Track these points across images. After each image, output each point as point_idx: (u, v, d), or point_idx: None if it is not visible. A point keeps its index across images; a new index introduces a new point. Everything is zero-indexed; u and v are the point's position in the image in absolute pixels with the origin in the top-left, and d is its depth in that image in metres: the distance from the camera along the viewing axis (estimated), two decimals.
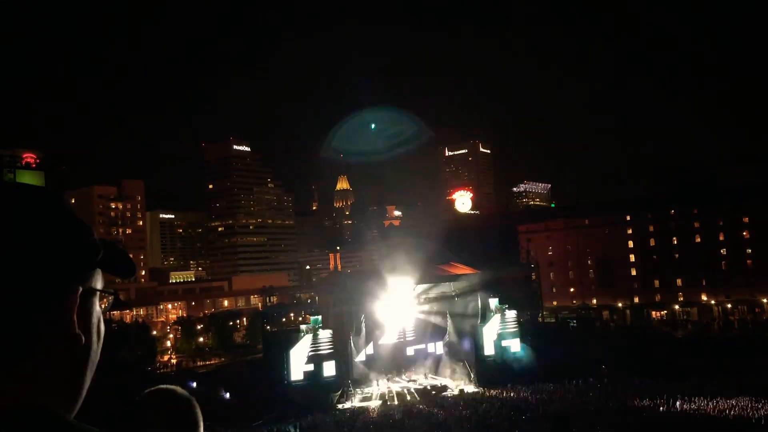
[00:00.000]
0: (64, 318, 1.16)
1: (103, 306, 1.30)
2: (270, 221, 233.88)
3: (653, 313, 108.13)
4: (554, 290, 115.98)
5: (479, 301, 71.84)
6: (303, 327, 68.15)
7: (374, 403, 60.02)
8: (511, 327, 76.18)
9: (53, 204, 1.20)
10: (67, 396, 1.19)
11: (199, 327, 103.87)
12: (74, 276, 1.19)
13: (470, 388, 64.00)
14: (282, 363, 63.61)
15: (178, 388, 1.97)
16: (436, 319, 70.50)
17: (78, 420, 1.15)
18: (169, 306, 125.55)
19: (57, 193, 1.23)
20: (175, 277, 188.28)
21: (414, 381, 65.98)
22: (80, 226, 1.22)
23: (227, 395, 61.11)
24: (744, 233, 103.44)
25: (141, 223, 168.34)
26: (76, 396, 1.21)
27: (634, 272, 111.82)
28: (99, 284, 1.28)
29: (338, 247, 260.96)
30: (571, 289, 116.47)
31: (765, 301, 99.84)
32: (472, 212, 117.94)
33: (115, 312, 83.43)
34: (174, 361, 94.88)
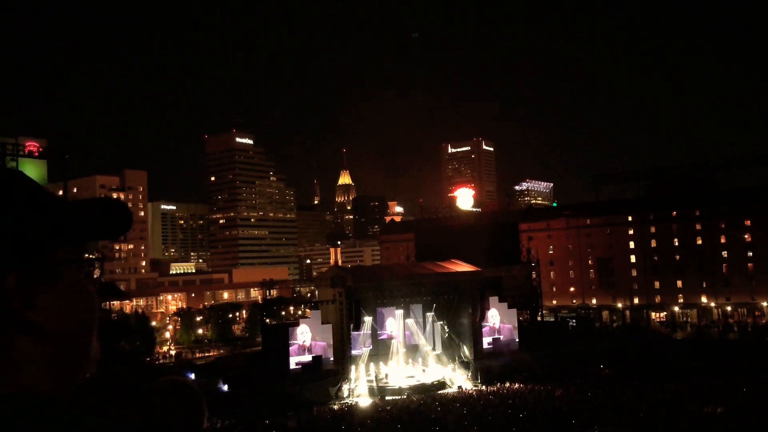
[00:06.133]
0: (19, 299, 1.11)
1: (95, 275, 1.23)
2: (271, 215, 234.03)
3: (653, 314, 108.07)
4: (554, 289, 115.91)
5: (479, 298, 71.92)
6: (302, 321, 68.38)
7: (372, 398, 60.13)
8: (511, 325, 76.35)
9: None
10: (53, 382, 1.14)
11: (198, 319, 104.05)
12: (12, 254, 1.10)
13: (468, 385, 64.05)
14: (281, 356, 63.79)
15: (188, 380, 2.00)
16: (435, 316, 70.54)
17: (76, 407, 1.10)
18: (169, 297, 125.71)
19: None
20: (176, 269, 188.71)
21: (412, 377, 66.05)
22: (18, 195, 1.13)
23: (224, 387, 61.19)
24: (746, 236, 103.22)
25: (143, 214, 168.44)
26: (65, 382, 1.17)
27: (634, 273, 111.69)
28: (66, 255, 1.18)
29: (339, 242, 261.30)
30: (571, 289, 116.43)
31: (765, 304, 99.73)
32: (474, 210, 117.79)
33: (114, 302, 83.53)
34: (173, 352, 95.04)
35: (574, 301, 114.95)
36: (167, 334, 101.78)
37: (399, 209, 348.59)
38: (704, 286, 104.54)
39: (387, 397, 59.64)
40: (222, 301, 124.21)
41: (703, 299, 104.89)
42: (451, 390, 62.46)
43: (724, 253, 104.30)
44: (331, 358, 65.73)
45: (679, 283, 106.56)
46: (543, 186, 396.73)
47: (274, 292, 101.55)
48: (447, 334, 70.76)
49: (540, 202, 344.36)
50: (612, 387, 56.14)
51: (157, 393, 1.83)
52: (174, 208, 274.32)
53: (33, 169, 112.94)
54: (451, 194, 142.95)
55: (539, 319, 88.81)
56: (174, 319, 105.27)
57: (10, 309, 1.10)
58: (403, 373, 66.37)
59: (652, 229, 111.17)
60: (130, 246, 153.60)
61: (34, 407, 1.05)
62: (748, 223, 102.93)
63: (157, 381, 1.86)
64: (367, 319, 66.52)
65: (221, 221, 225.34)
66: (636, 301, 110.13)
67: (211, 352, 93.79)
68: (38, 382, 1.12)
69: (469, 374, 66.74)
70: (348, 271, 75.92)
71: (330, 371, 63.91)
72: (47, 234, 1.14)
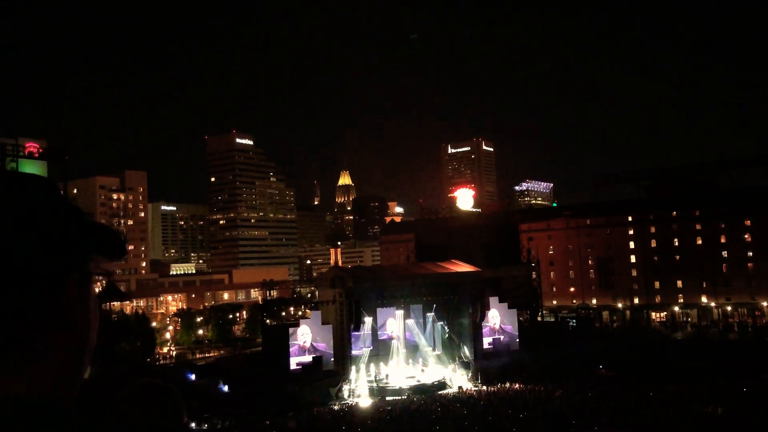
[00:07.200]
0: (62, 305, 1.17)
1: (98, 289, 1.36)
2: (271, 215, 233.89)
3: (653, 314, 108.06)
4: (554, 289, 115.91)
5: (479, 298, 71.90)
6: (302, 321, 68.32)
7: (372, 398, 60.13)
8: (511, 325, 76.32)
9: (47, 191, 1.21)
10: (65, 383, 1.19)
11: (198, 319, 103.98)
12: (71, 261, 1.19)
13: (468, 385, 64.03)
14: (281, 356, 63.79)
15: (160, 381, 2.02)
16: (435, 316, 70.52)
17: (74, 409, 1.15)
18: (169, 298, 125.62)
19: (50, 180, 1.24)
20: (176, 269, 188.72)
21: (412, 377, 66.02)
22: (74, 210, 1.23)
23: (225, 387, 61.21)
24: (745, 236, 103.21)
25: (143, 214, 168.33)
26: (74, 382, 1.22)
27: (634, 273, 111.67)
28: (95, 268, 1.28)
29: (339, 242, 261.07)
30: (572, 289, 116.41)
31: (765, 304, 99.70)
32: (474, 210, 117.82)
33: (115, 303, 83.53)
34: (173, 353, 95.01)
35: (574, 301, 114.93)
36: (167, 335, 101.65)
37: (399, 209, 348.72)
38: (704, 286, 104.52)
39: (387, 398, 59.63)
40: (222, 302, 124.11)
41: (703, 299, 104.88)
42: (452, 390, 62.45)
43: (724, 253, 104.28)
44: (332, 359, 65.70)
45: (679, 283, 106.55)
46: (543, 186, 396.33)
47: (274, 293, 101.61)
48: (447, 335, 70.76)
49: (540, 202, 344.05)
50: (612, 387, 56.15)
51: (132, 396, 1.85)
52: (174, 208, 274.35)
53: (33, 170, 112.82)
54: (451, 194, 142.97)
55: (539, 319, 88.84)
56: (174, 319, 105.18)
57: (65, 309, 1.17)
58: (403, 374, 66.35)
59: (652, 230, 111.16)
60: (131, 247, 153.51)
61: (30, 408, 1.08)
62: (748, 223, 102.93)
63: (131, 384, 1.88)
64: (367, 320, 66.54)
65: (221, 222, 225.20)
66: (636, 301, 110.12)
67: (211, 352, 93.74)
68: (51, 384, 1.16)
69: (470, 374, 66.73)
70: (348, 272, 75.92)
71: (330, 372, 63.90)
72: (90, 245, 1.25)
